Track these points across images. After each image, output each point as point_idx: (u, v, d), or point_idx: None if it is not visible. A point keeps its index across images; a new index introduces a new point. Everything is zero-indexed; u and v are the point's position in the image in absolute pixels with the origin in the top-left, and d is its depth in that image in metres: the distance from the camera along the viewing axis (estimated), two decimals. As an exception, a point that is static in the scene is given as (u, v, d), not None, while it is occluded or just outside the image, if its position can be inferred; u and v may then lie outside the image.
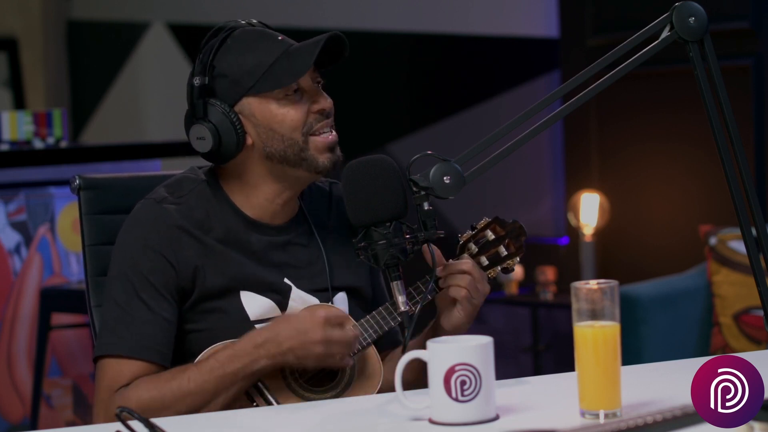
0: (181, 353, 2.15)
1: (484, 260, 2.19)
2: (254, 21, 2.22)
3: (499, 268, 2.21)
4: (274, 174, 2.17)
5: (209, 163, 2.24)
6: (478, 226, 2.21)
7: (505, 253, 2.20)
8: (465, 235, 2.20)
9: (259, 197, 2.19)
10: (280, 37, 2.16)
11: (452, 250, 2.19)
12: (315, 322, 2.05)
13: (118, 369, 2.10)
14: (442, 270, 2.12)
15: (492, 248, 2.19)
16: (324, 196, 2.30)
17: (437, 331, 2.16)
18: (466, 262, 2.12)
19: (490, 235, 2.20)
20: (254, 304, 2.15)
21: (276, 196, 2.19)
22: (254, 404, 2.09)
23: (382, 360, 2.20)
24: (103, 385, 2.10)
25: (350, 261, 2.24)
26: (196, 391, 2.04)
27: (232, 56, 2.14)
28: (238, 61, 2.13)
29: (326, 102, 2.16)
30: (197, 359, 2.10)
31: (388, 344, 2.28)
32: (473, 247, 2.19)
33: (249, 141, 2.15)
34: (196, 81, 2.14)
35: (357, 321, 2.14)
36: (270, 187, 2.18)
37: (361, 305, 2.25)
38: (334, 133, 2.18)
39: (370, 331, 2.13)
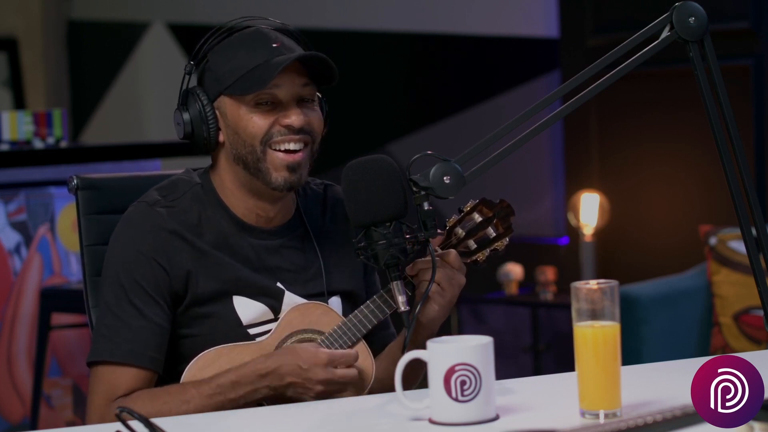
0: (174, 358, 2.14)
1: (472, 244, 2.17)
2: (275, 21, 2.20)
3: (488, 251, 2.19)
4: (242, 180, 2.16)
5: (204, 165, 2.24)
6: (465, 209, 2.19)
7: (494, 234, 2.17)
8: (452, 219, 2.18)
9: (241, 203, 2.18)
10: (275, 44, 2.14)
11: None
12: (318, 362, 2.04)
13: (112, 377, 2.09)
14: (411, 267, 2.10)
15: (480, 231, 2.17)
16: (318, 198, 2.29)
17: (416, 323, 2.12)
18: (435, 258, 2.09)
19: (477, 218, 2.17)
20: (247, 308, 2.14)
21: (254, 205, 2.18)
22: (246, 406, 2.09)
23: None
24: (98, 392, 2.10)
25: (345, 265, 2.24)
26: (193, 414, 2.03)
27: (224, 54, 2.14)
28: (225, 58, 2.14)
29: (298, 118, 2.11)
30: (189, 365, 2.10)
31: (379, 347, 2.26)
32: (460, 232, 2.17)
33: (221, 138, 2.15)
34: (187, 68, 2.16)
35: (346, 318, 2.14)
36: (244, 194, 2.17)
37: (354, 309, 2.24)
38: (302, 154, 2.13)
39: (360, 326, 2.13)
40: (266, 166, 2.12)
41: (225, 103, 2.15)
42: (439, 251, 2.12)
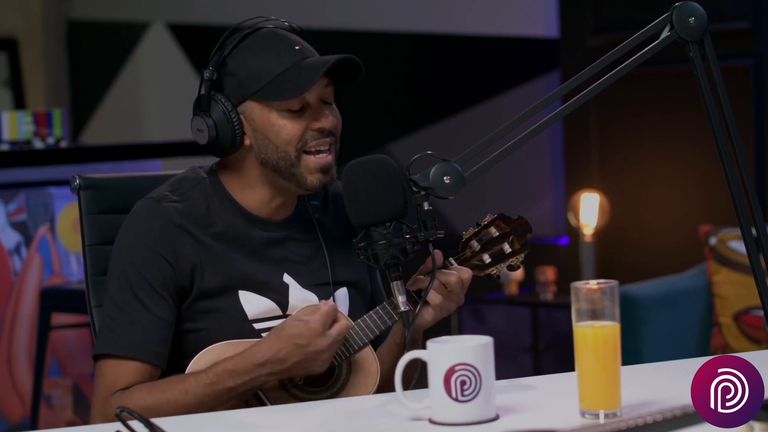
0: (179, 352, 2.15)
1: (487, 258, 2.17)
2: (285, 22, 2.20)
3: (503, 265, 2.19)
4: (268, 179, 2.17)
5: (209, 164, 2.25)
6: (482, 223, 2.20)
7: (509, 250, 2.18)
8: (468, 232, 2.19)
9: (256, 197, 2.19)
10: (297, 46, 2.13)
11: (453, 250, 2.18)
12: (315, 332, 2.03)
13: (115, 370, 2.10)
14: (412, 284, 2.10)
15: (495, 245, 2.18)
16: (319, 194, 2.29)
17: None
18: (452, 274, 2.10)
19: (494, 232, 2.18)
20: (253, 303, 2.15)
21: (270, 199, 2.20)
22: (248, 405, 2.09)
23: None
24: (100, 385, 2.11)
25: (349, 256, 2.24)
26: (192, 404, 2.04)
27: (245, 56, 2.13)
28: (248, 62, 2.13)
29: (327, 121, 2.14)
30: (194, 359, 2.10)
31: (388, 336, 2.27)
32: (475, 245, 2.18)
33: (247, 142, 2.15)
34: (206, 74, 2.14)
35: (356, 319, 2.14)
36: (265, 190, 2.19)
37: (361, 299, 2.26)
38: (331, 155, 2.16)
39: (366, 331, 2.13)
40: (301, 171, 2.14)
41: (251, 108, 2.14)
42: (455, 264, 2.13)
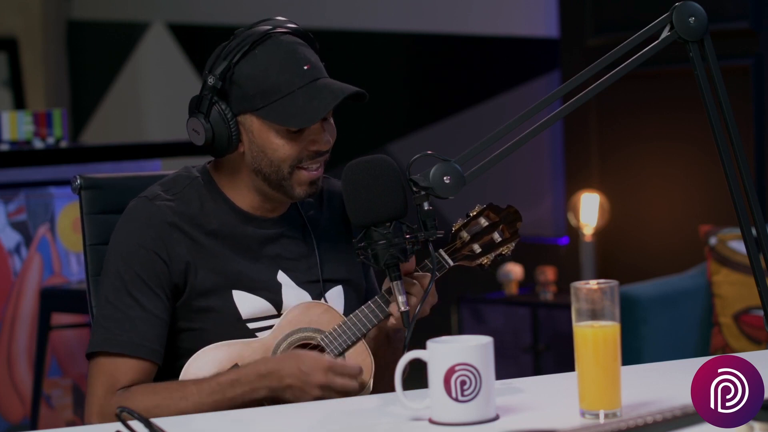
0: (173, 351, 2.15)
1: (477, 248, 2.18)
2: (291, 25, 2.18)
3: (493, 255, 2.19)
4: (257, 185, 2.18)
5: (202, 163, 2.25)
6: (472, 214, 2.20)
7: (500, 239, 2.19)
8: (458, 223, 2.19)
9: (249, 197, 2.20)
10: (306, 66, 2.13)
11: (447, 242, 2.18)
12: (319, 366, 2.04)
13: (112, 368, 2.10)
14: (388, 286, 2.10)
15: (485, 235, 2.18)
16: None
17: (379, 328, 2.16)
18: (415, 284, 2.10)
19: (484, 222, 2.19)
20: (247, 303, 2.15)
21: (262, 202, 2.20)
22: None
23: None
24: (98, 383, 2.11)
25: (344, 254, 2.25)
26: (191, 410, 2.04)
27: (253, 69, 2.11)
28: (255, 77, 2.11)
29: (324, 144, 2.15)
30: (188, 362, 2.11)
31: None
32: (465, 235, 2.18)
33: (241, 149, 2.15)
34: (210, 80, 2.12)
35: (348, 315, 2.14)
36: (257, 193, 2.19)
37: (356, 297, 2.26)
38: (322, 168, 2.17)
39: (360, 326, 2.13)
40: (291, 183, 2.15)
41: (252, 122, 2.14)
42: (419, 273, 2.13)
